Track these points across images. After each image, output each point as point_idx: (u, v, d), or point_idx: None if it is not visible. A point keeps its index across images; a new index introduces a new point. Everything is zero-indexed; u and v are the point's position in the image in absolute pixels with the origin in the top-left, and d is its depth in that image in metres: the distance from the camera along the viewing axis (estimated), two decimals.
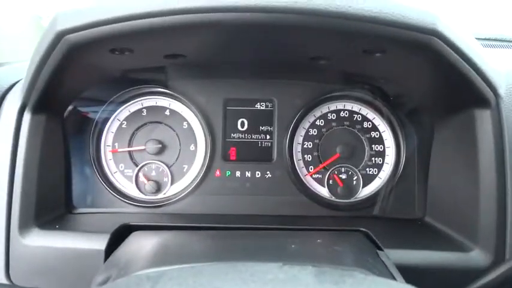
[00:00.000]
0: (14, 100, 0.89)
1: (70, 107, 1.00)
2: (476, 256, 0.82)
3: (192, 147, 1.09)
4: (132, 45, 0.80)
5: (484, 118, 0.84)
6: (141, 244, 0.80)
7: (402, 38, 0.72)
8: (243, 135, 1.10)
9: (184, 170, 1.09)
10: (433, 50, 0.74)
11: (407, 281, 0.68)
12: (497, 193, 0.82)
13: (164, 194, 1.08)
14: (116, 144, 1.09)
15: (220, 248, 0.78)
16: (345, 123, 1.11)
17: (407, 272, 0.77)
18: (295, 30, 0.72)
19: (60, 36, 0.74)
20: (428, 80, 0.89)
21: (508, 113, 0.83)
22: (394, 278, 0.66)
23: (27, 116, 0.88)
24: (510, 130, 0.83)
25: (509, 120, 0.83)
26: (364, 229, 0.90)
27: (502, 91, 0.83)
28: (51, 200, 0.94)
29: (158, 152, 1.08)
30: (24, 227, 0.85)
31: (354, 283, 0.34)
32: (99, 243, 0.82)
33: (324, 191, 1.09)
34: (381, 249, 0.80)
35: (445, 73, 0.81)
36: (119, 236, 0.85)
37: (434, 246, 0.85)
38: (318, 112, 1.11)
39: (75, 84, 0.93)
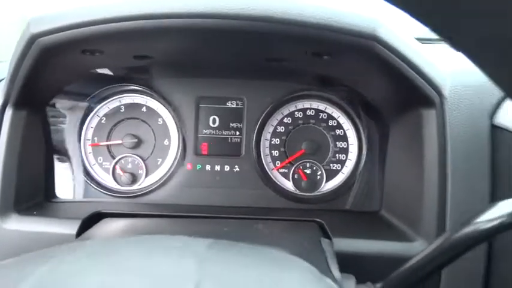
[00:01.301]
0: None
1: (52, 103, 1.08)
2: (418, 246, 0.88)
3: (166, 142, 1.17)
4: (101, 47, 0.87)
5: (429, 117, 0.90)
6: (108, 229, 0.88)
7: (344, 43, 0.79)
8: (214, 132, 1.17)
9: (158, 163, 1.16)
10: (375, 54, 0.80)
11: (352, 267, 0.74)
12: (439, 187, 0.87)
13: (139, 185, 1.16)
14: (95, 138, 1.16)
15: (177, 232, 0.85)
16: (311, 121, 1.17)
17: (353, 259, 0.84)
18: (246, 35, 0.79)
19: (33, 38, 0.81)
20: (376, 82, 0.95)
21: (451, 113, 0.89)
22: (327, 262, 0.72)
23: (8, 112, 0.96)
24: (452, 129, 0.88)
25: (452, 120, 0.89)
26: (318, 220, 0.96)
27: (446, 92, 0.89)
28: (31, 189, 1.02)
29: (134, 146, 1.15)
30: (3, 212, 0.93)
31: (238, 252, 0.41)
32: (71, 228, 0.89)
33: (289, 185, 1.16)
34: (330, 238, 0.87)
35: (390, 76, 0.87)
36: (91, 222, 0.92)
37: (382, 236, 0.91)
38: (285, 110, 1.18)
39: (52, 82, 1.01)
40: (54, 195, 1.11)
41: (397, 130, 1.03)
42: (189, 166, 1.16)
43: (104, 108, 1.17)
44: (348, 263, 0.77)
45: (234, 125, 1.18)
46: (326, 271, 0.70)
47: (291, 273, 0.39)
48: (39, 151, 1.06)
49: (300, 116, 1.18)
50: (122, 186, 1.15)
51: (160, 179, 1.15)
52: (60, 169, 1.13)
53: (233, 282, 0.34)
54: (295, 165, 1.16)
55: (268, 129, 1.17)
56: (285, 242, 0.76)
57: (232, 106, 1.18)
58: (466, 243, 0.57)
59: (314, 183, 1.15)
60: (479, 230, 0.55)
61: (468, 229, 0.56)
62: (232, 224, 0.92)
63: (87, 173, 1.15)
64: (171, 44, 0.88)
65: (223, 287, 0.33)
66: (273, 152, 1.17)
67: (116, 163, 1.16)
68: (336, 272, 0.70)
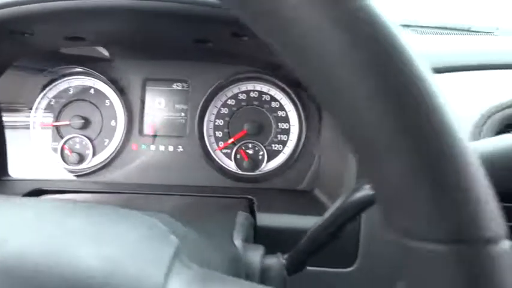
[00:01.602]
0: None
1: None
2: None
3: (113, 123, 1.20)
4: (28, 28, 0.90)
5: None
6: None
7: None
8: (159, 113, 1.21)
9: (105, 143, 1.20)
10: None
11: (277, 241, 0.77)
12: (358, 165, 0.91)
13: (87, 164, 1.20)
14: (45, 119, 1.20)
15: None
16: (255, 103, 1.20)
17: (276, 233, 0.88)
18: (160, 15, 0.82)
19: None
20: None
21: None
22: (231, 233, 0.76)
23: None
24: None
25: None
26: (250, 196, 1.00)
27: None
28: None
29: (82, 127, 1.19)
30: None
31: (84, 210, 0.45)
32: None
33: (231, 165, 1.19)
34: (253, 213, 0.91)
35: None
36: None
37: (306, 212, 0.94)
38: (229, 92, 1.21)
39: None
40: (5, 174, 1.16)
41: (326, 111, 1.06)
42: (134, 146, 1.20)
43: (53, 90, 1.21)
44: (273, 237, 0.81)
45: (179, 106, 1.21)
46: (228, 241, 0.73)
47: (127, 228, 0.43)
48: None
49: (244, 98, 1.21)
50: (69, 165, 1.19)
51: (106, 158, 1.19)
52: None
53: (51, 232, 0.38)
54: (237, 146, 1.19)
55: (212, 111, 1.21)
56: (199, 215, 0.80)
57: (178, 88, 1.21)
58: (358, 206, 0.60)
59: (255, 163, 1.19)
60: (369, 194, 0.58)
61: (360, 194, 0.59)
62: (163, 200, 0.95)
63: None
64: (98, 24, 0.91)
65: (37, 235, 0.37)
66: (216, 132, 1.21)
67: (64, 143, 1.20)
68: (238, 241, 0.74)
